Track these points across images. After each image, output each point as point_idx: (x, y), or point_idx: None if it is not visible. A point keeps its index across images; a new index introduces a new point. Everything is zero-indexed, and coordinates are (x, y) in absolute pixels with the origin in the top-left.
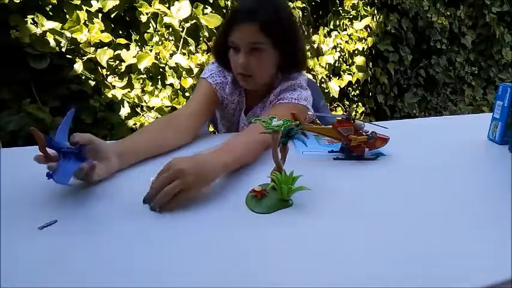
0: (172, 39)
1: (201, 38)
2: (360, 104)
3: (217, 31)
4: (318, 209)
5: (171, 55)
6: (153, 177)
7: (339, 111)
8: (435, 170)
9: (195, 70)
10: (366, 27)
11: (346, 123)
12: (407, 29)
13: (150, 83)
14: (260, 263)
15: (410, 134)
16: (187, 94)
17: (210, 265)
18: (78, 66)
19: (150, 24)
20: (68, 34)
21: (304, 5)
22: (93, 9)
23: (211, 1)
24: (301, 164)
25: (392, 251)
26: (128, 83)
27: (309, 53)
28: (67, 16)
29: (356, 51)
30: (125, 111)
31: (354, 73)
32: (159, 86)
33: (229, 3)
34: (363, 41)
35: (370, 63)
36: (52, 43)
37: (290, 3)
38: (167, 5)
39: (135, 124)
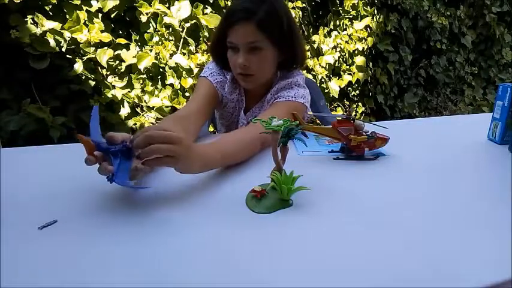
0: (172, 39)
1: (201, 38)
2: (360, 104)
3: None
4: (318, 209)
5: (171, 55)
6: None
7: (339, 111)
8: (435, 170)
9: (195, 70)
10: (366, 27)
11: (346, 123)
12: (407, 29)
13: (150, 83)
14: (260, 263)
15: (410, 134)
16: (187, 94)
17: (209, 265)
18: (78, 66)
19: (150, 24)
20: (68, 34)
21: (304, 5)
22: (93, 9)
23: (211, 1)
24: (301, 164)
25: (392, 251)
26: (128, 83)
27: (309, 53)
28: (67, 16)
29: (356, 51)
30: (125, 111)
31: (354, 73)
32: (159, 86)
33: (229, 3)
34: (363, 41)
35: (370, 63)
36: (52, 43)
37: (290, 3)
38: (167, 5)
39: (135, 124)
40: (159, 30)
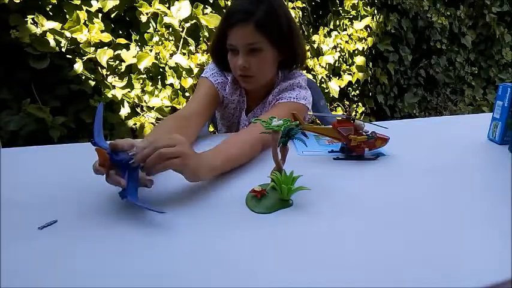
0: (172, 39)
1: (201, 38)
2: (360, 104)
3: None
4: (318, 208)
5: (171, 55)
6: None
7: (339, 111)
8: (435, 170)
9: (195, 70)
10: (366, 27)
11: (346, 123)
12: (407, 29)
13: (150, 83)
14: (260, 263)
15: (410, 134)
16: (187, 94)
17: (209, 265)
18: (78, 66)
19: (150, 24)
20: (68, 34)
21: (304, 5)
22: (93, 9)
23: (211, 1)
24: (301, 164)
25: (392, 251)
26: (128, 83)
27: (309, 53)
28: (67, 16)
29: (356, 51)
30: (125, 111)
31: (354, 73)
32: (159, 86)
33: (229, 3)
34: (363, 41)
35: (370, 63)
36: (52, 43)
37: (290, 3)
38: (167, 5)
39: (135, 124)
40: (159, 30)
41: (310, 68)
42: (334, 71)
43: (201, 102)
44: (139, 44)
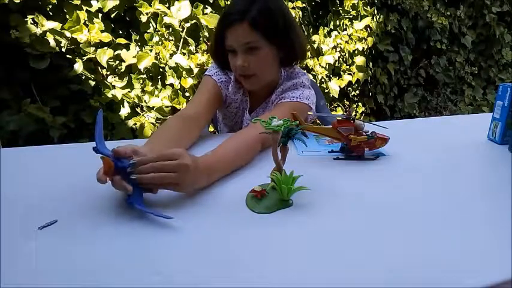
0: (172, 39)
1: (201, 38)
2: (360, 104)
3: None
4: (318, 208)
5: (171, 55)
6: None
7: (339, 111)
8: (435, 170)
9: (195, 70)
10: (366, 27)
11: (346, 123)
12: (407, 29)
13: (150, 83)
14: (260, 263)
15: (410, 134)
16: (187, 94)
17: (209, 265)
18: (78, 66)
19: (150, 24)
20: (68, 34)
21: (304, 5)
22: (93, 9)
23: (211, 1)
24: (301, 164)
25: (392, 251)
26: (128, 83)
27: (309, 53)
28: (67, 16)
29: (356, 51)
30: (124, 111)
31: (354, 73)
32: (159, 86)
33: (229, 3)
34: (363, 41)
35: (370, 63)
36: (52, 43)
37: (290, 3)
38: (167, 5)
39: (135, 124)
40: (159, 30)
41: (310, 68)
42: (334, 71)
43: (204, 101)
44: (139, 44)
